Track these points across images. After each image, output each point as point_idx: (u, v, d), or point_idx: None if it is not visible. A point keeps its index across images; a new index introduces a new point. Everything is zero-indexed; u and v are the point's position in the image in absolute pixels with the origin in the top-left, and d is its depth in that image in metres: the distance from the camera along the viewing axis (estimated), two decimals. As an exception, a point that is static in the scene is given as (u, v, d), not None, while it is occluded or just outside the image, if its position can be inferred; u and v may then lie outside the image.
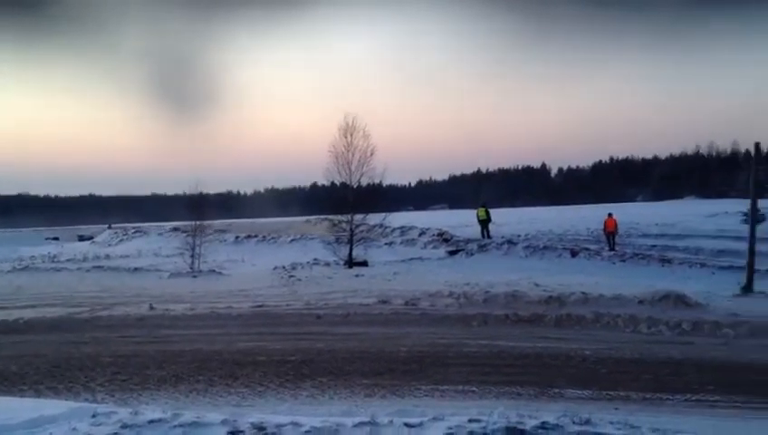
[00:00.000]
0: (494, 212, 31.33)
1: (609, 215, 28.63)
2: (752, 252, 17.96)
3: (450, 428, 5.75)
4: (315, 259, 24.70)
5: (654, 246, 28.84)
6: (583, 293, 15.53)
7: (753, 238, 18.05)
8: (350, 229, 24.22)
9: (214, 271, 23.27)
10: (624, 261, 24.08)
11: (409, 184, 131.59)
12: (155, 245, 35.93)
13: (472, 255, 25.59)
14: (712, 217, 40.30)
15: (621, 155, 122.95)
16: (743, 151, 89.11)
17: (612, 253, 25.85)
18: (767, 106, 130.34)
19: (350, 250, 24.02)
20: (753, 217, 18.56)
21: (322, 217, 29.34)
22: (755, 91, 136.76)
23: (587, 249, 26.11)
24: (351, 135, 24.11)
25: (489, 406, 7.15)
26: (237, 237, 34.31)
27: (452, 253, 26.05)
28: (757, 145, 18.63)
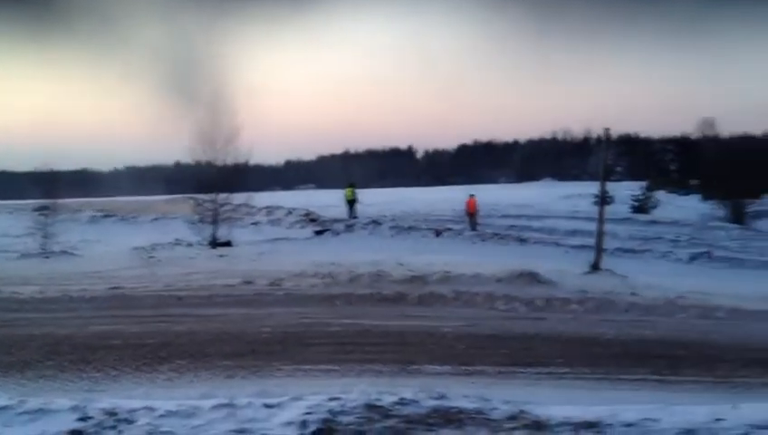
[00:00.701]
0: (361, 193, 31.52)
1: (471, 196, 29.52)
2: (600, 232, 19.01)
3: (309, 407, 5.76)
4: (177, 239, 23.97)
5: (513, 226, 29.92)
6: (445, 272, 15.93)
7: (601, 219, 19.10)
8: (215, 209, 23.68)
9: (66, 252, 22.14)
10: (484, 241, 24.92)
11: (277, 164, 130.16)
12: (3, 224, 33.76)
13: (338, 235, 25.70)
14: (566, 198, 42.43)
15: (484, 138, 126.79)
16: (594, 137, 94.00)
17: (473, 233, 26.68)
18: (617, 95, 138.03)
19: (214, 230, 23.50)
20: (602, 199, 19.67)
21: (186, 196, 28.54)
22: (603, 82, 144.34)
23: (450, 229, 26.78)
24: (217, 113, 23.52)
25: (350, 384, 7.21)
26: (93, 217, 32.72)
27: (318, 233, 26.05)
28: (606, 131, 19.66)
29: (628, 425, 5.25)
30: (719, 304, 14.03)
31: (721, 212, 41.52)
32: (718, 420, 5.06)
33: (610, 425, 5.28)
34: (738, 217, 40.00)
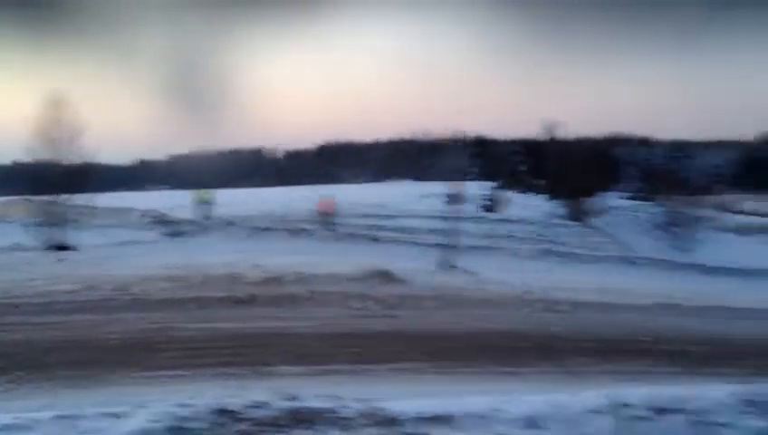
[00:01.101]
0: (216, 193, 30.84)
1: (326, 196, 29.61)
2: (453, 231, 19.57)
3: (156, 414, 5.53)
4: (15, 244, 22.47)
5: (369, 225, 30.24)
6: (300, 272, 15.83)
7: (453, 217, 19.67)
8: (56, 211, 22.37)
9: None
10: (340, 240, 25.03)
11: (130, 163, 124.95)
12: None
13: (192, 237, 25.01)
14: (422, 198, 43.32)
15: (344, 138, 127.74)
16: (449, 138, 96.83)
17: (330, 233, 26.74)
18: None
19: (56, 234, 22.19)
20: (455, 198, 20.27)
21: (23, 197, 26.82)
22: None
23: (306, 229, 26.72)
24: (58, 110, 22.22)
25: (201, 390, 7.01)
26: None
27: (170, 235, 25.23)
28: (462, 133, 20.26)
29: (477, 416, 5.40)
30: (561, 298, 14.81)
31: (562, 210, 43.92)
32: (557, 407, 5.29)
33: (461, 417, 5.41)
34: (577, 215, 42.46)
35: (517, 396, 5.92)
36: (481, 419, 5.39)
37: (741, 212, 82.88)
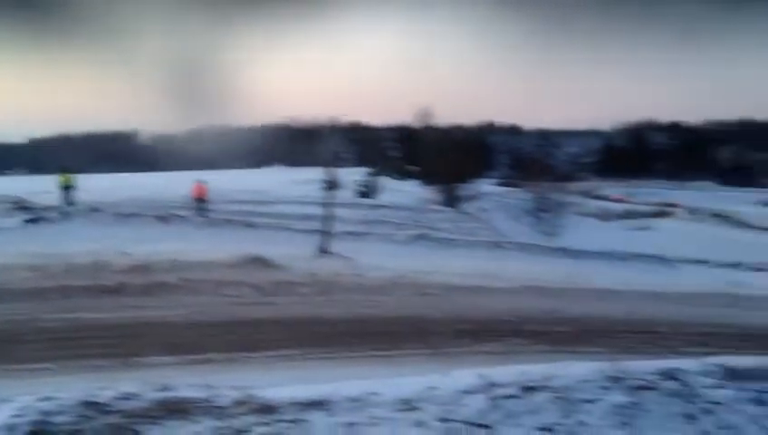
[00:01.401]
0: (79, 178, 29.41)
1: (199, 181, 28.87)
2: (329, 216, 19.55)
3: (19, 409, 5.25)
4: None
5: (244, 211, 29.80)
6: (172, 259, 15.37)
7: (329, 203, 19.65)
8: None
9: None
10: (214, 227, 24.47)
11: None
12: None
13: (54, 223, 23.74)
14: (297, 184, 43.15)
15: (218, 122, 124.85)
16: (324, 124, 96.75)
17: (203, 219, 26.11)
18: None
19: None
20: (331, 184, 20.26)
21: None
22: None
23: (178, 215, 25.95)
24: None
25: (67, 382, 6.72)
26: None
27: (30, 221, 23.84)
28: (334, 119, 20.23)
29: (353, 400, 5.44)
30: (434, 282, 15.14)
31: (436, 196, 44.89)
32: (432, 388, 5.41)
33: (335, 401, 5.43)
34: (451, 201, 43.54)
35: (392, 379, 6.01)
36: (356, 402, 5.44)
37: (602, 198, 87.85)
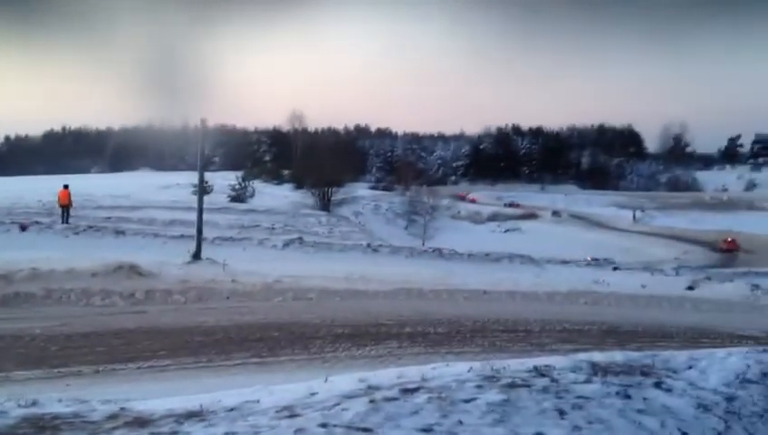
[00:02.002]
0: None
1: (65, 187, 27.51)
2: (200, 221, 19.10)
3: None
4: None
5: (109, 217, 28.69)
6: (33, 268, 14.52)
7: (200, 208, 19.20)
8: None
9: None
10: (78, 234, 23.46)
11: None
12: None
13: None
14: (165, 188, 41.94)
15: (74, 125, 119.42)
16: (190, 127, 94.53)
17: (66, 226, 24.91)
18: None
19: None
20: (201, 189, 19.79)
21: None
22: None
23: (38, 223, 24.66)
24: None
25: None
26: None
27: None
28: (203, 121, 19.72)
29: (230, 409, 5.32)
30: (311, 286, 15.10)
31: (311, 200, 44.82)
32: (313, 394, 5.38)
33: (213, 412, 5.30)
34: (325, 205, 43.59)
35: (271, 386, 5.93)
36: (236, 412, 5.32)
37: (473, 201, 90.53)
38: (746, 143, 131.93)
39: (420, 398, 5.00)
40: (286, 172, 64.30)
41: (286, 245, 24.73)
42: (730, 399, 5.55)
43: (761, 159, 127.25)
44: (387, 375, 5.67)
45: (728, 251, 52.73)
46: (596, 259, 37.13)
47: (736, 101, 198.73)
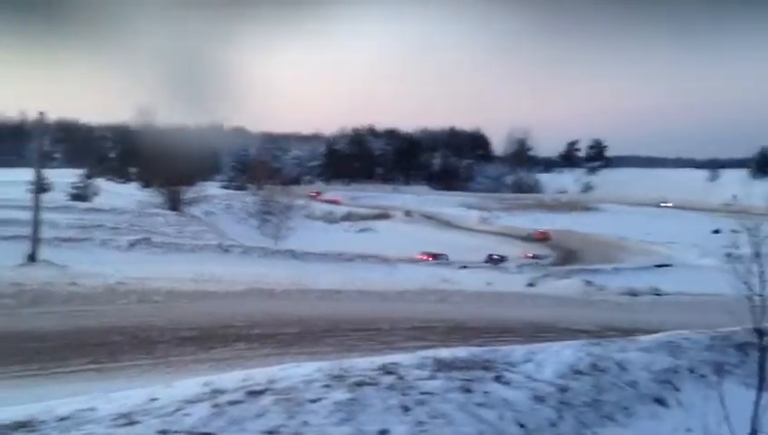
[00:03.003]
0: None
1: None
2: (36, 221, 17.99)
3: None
4: None
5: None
6: None
7: (37, 206, 18.08)
8: None
9: None
10: None
11: None
12: None
13: None
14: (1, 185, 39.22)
15: None
16: (30, 121, 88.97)
17: None
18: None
19: None
20: (38, 186, 18.65)
21: None
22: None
23: None
24: None
25: None
26: None
27: None
28: (41, 114, 18.63)
29: (63, 419, 5.03)
30: (157, 288, 14.59)
31: (159, 199, 43.36)
32: (153, 399, 5.18)
33: (44, 422, 4.99)
34: (175, 204, 42.31)
35: (110, 393, 5.66)
36: (70, 420, 5.04)
37: (327, 201, 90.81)
38: (584, 148, 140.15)
39: (266, 400, 4.94)
40: (133, 170, 61.88)
41: (132, 245, 23.73)
42: (563, 390, 5.86)
43: (595, 164, 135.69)
44: (232, 378, 5.55)
45: (541, 240, 60.77)
46: (436, 254, 38.45)
47: (575, 108, 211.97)
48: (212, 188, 60.10)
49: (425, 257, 40.47)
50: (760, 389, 4.17)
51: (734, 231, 4.33)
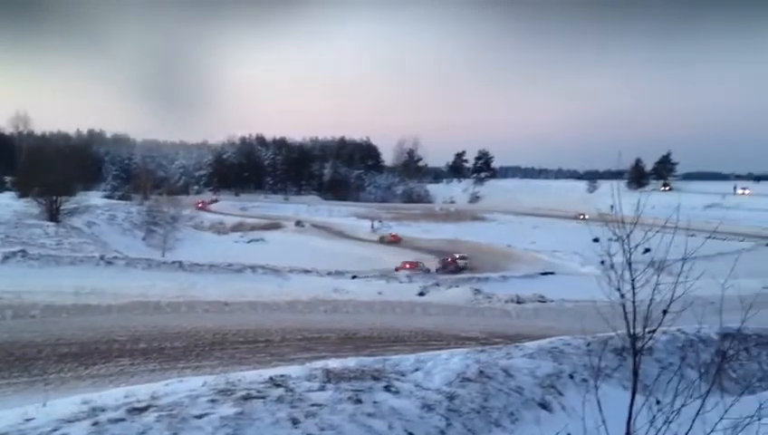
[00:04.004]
0: None
1: None
2: None
3: None
4: None
5: None
6: None
7: None
8: None
9: None
10: None
11: None
12: None
13: None
14: None
15: None
16: None
17: None
18: None
19: None
20: None
21: None
22: None
23: None
24: None
25: None
26: None
27: None
28: None
29: None
30: (34, 302, 13.89)
31: (37, 209, 41.39)
32: (28, 419, 4.91)
33: None
34: (54, 215, 40.45)
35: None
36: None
37: (215, 212, 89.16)
38: (471, 158, 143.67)
39: (149, 417, 4.77)
40: (9, 179, 58.75)
41: (7, 258, 22.44)
42: (451, 397, 5.95)
43: (482, 174, 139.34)
44: (113, 395, 5.34)
45: (393, 242, 64.43)
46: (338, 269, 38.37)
47: (463, 120, 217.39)
48: (94, 198, 57.82)
49: (407, 266, 42.29)
50: (634, 392, 4.36)
51: (610, 239, 4.51)
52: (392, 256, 52.58)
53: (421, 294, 25.43)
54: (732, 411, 4.05)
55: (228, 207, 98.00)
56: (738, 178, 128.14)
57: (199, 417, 4.78)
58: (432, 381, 6.30)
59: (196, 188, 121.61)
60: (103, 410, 4.92)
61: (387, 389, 5.88)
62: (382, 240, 66.13)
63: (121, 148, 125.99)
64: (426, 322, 17.20)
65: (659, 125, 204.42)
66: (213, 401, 5.15)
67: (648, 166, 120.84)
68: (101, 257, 25.34)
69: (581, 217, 79.26)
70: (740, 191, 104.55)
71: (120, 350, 11.07)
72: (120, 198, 76.69)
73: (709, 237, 6.49)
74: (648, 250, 4.77)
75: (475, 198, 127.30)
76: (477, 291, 25.52)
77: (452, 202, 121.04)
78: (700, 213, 60.98)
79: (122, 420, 4.69)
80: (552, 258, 46.90)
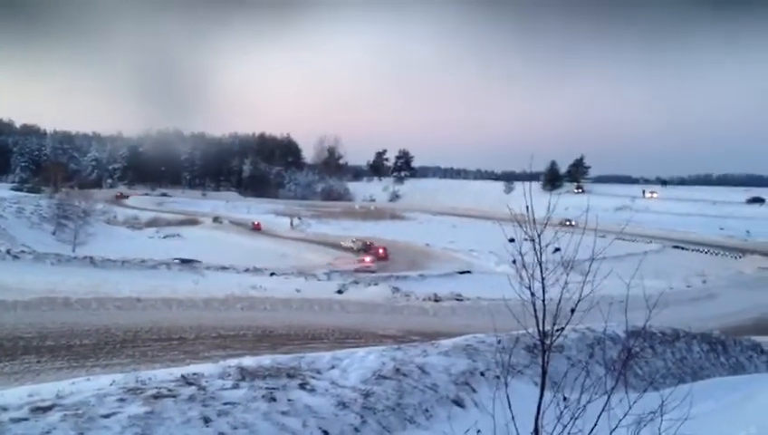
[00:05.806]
0: None
1: None
2: None
3: None
4: None
5: None
6: None
7: None
8: None
9: None
10: None
11: None
12: None
13: None
14: None
15: None
16: None
17: None
18: None
19: None
20: None
21: None
22: None
23: None
24: None
25: None
26: None
27: None
28: None
29: None
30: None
31: None
32: None
33: None
34: None
35: None
36: None
37: (130, 206, 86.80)
38: (391, 157, 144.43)
39: (54, 416, 4.60)
40: None
41: None
42: (367, 395, 5.96)
43: (403, 173, 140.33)
44: (16, 394, 5.13)
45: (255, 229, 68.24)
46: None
47: (383, 118, 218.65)
48: (1, 190, 55.50)
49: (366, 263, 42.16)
50: (542, 388, 4.46)
51: (524, 239, 4.60)
52: (313, 253, 52.35)
53: (340, 291, 25.42)
54: (636, 407, 4.18)
55: (144, 201, 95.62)
56: (647, 182, 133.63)
57: (107, 416, 4.64)
58: (348, 379, 6.30)
59: (109, 181, 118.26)
60: (5, 409, 4.72)
61: (302, 387, 5.84)
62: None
63: (31, 138, 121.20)
64: (344, 319, 17.22)
65: (575, 131, 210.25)
66: (121, 399, 5.01)
67: (563, 169, 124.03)
68: (8, 251, 24.38)
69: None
70: (648, 195, 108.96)
71: (27, 347, 10.69)
72: (29, 191, 73.80)
73: (617, 238, 6.71)
74: (557, 250, 4.88)
75: (394, 197, 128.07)
76: (396, 289, 25.70)
77: (372, 200, 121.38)
78: (611, 215, 63.01)
79: (25, 419, 4.51)
80: (469, 257, 47.59)
